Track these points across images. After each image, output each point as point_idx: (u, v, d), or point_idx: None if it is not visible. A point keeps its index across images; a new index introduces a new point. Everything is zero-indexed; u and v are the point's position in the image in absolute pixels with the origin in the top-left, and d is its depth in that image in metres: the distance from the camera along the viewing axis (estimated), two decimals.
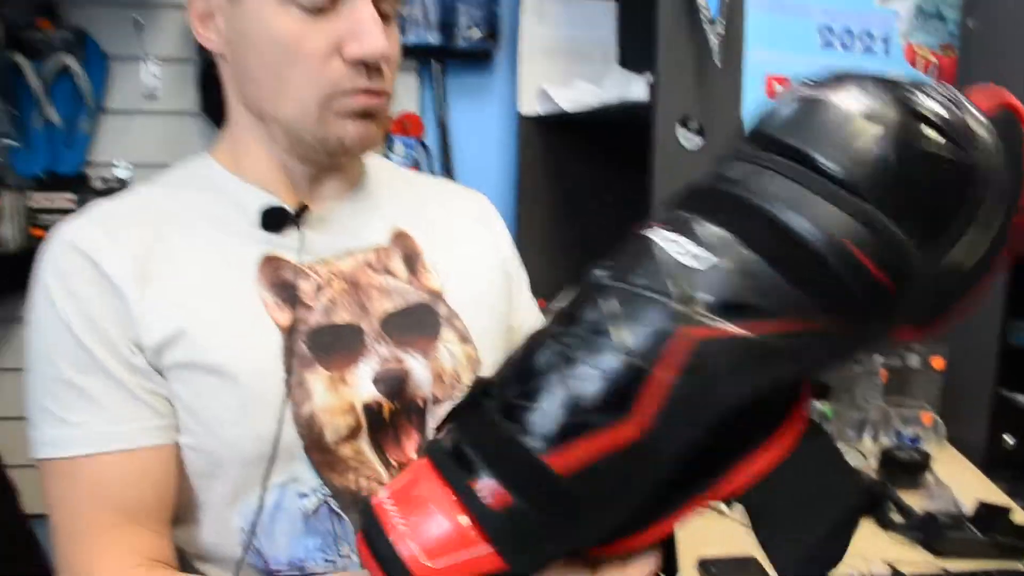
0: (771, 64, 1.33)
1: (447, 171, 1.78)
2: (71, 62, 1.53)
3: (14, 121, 1.53)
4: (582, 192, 1.78)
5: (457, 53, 1.73)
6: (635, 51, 1.78)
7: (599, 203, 1.76)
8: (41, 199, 1.54)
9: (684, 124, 1.29)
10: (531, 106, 1.74)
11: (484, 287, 0.86)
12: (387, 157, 1.69)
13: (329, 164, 0.80)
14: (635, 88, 1.61)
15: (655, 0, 1.26)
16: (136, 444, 0.70)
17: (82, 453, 0.69)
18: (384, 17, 0.73)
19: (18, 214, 1.50)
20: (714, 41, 1.25)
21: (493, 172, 1.83)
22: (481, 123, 1.81)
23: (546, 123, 1.75)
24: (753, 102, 1.32)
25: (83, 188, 1.56)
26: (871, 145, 0.44)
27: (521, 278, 0.94)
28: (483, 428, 0.48)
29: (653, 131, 1.29)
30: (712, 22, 1.25)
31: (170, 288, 0.71)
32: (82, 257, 0.71)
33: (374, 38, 0.70)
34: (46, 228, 1.51)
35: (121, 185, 1.56)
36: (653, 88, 1.28)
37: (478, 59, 1.77)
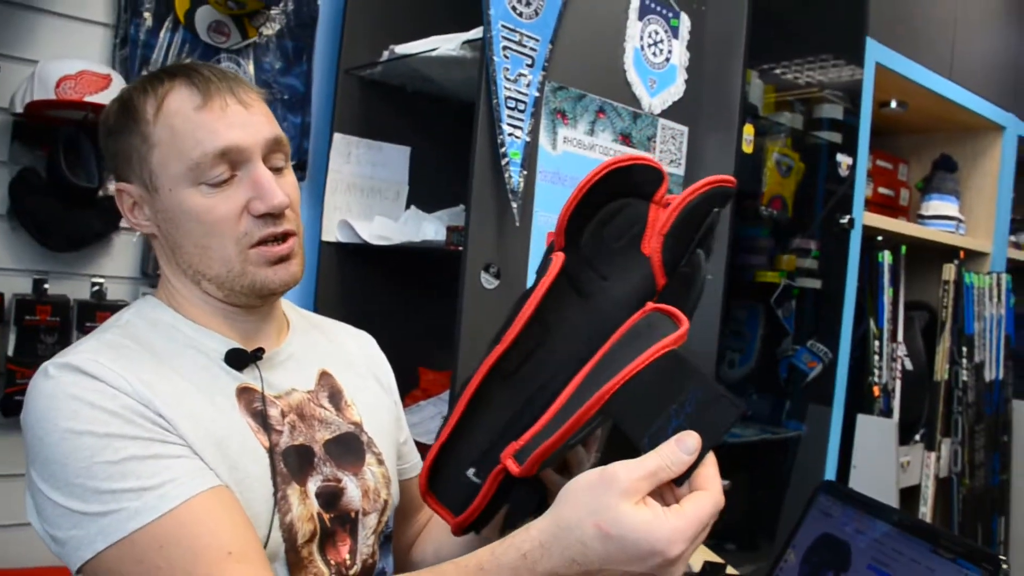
0: (551, 224, 1.69)
1: None
2: None
3: None
4: (376, 316, 2.00)
5: None
6: (423, 193, 2.06)
7: (393, 326, 1.99)
8: None
9: (486, 269, 1.59)
10: (333, 235, 1.94)
11: (385, 416, 1.07)
12: None
13: (263, 308, 0.97)
14: (426, 227, 1.89)
15: (471, 168, 1.55)
16: (219, 481, 0.79)
17: (179, 502, 0.75)
18: (277, 170, 0.93)
19: None
20: (515, 206, 1.57)
21: (292, 294, 1.98)
22: None
23: (346, 251, 1.96)
24: (538, 252, 1.66)
25: None
26: None
27: (398, 400, 1.16)
28: None
29: (462, 275, 1.56)
30: (514, 192, 1.57)
31: (185, 415, 0.82)
32: (95, 379, 0.79)
33: (274, 193, 0.89)
34: None
35: None
36: (464, 239, 1.56)
37: None
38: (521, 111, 1.60)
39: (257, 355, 0.93)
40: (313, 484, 0.92)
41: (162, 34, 1.73)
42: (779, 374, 2.34)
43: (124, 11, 1.69)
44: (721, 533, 2.17)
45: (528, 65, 1.61)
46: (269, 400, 0.92)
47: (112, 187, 0.95)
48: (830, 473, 2.27)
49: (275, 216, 0.90)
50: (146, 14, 1.71)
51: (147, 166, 0.89)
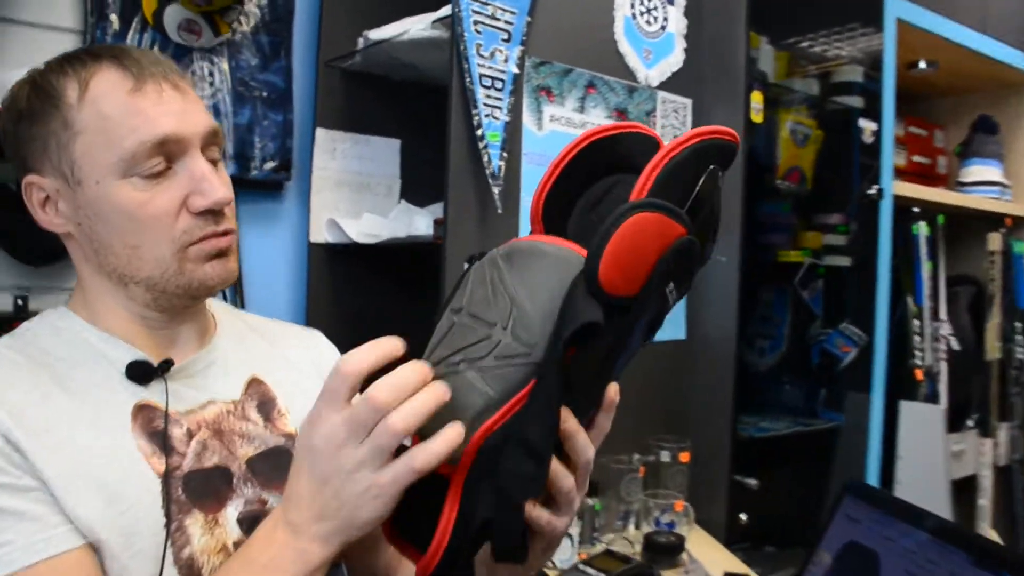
0: None
1: (237, 295, 1.84)
2: None
3: None
4: (370, 316, 1.91)
5: (250, 183, 1.81)
6: (416, 186, 1.96)
7: (386, 326, 1.88)
8: None
9: (470, 261, 1.48)
10: (321, 235, 1.86)
11: None
12: None
13: (187, 310, 0.87)
14: (418, 221, 1.78)
15: (447, 154, 1.45)
16: (71, 544, 0.70)
17: (13, 570, 0.68)
18: (213, 163, 0.84)
19: None
20: (496, 191, 1.46)
21: (283, 297, 1.90)
22: (272, 250, 1.89)
23: (335, 251, 1.87)
24: None
25: None
26: None
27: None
28: None
29: (443, 267, 1.46)
30: (495, 176, 1.46)
31: (53, 444, 0.73)
32: None
33: (215, 188, 0.80)
34: None
35: None
36: (444, 230, 1.46)
37: (270, 188, 1.87)
38: (499, 89, 1.49)
39: (164, 367, 0.83)
40: (233, 509, 0.82)
41: (130, 36, 1.66)
42: (810, 361, 2.18)
43: (91, 15, 1.63)
44: (758, 535, 2.03)
45: (504, 40, 1.49)
46: (173, 418, 0.82)
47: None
48: (873, 466, 2.11)
49: (215, 213, 0.82)
50: (113, 16, 1.64)
51: (68, 155, 0.79)
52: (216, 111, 1.74)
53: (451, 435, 0.59)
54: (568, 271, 0.62)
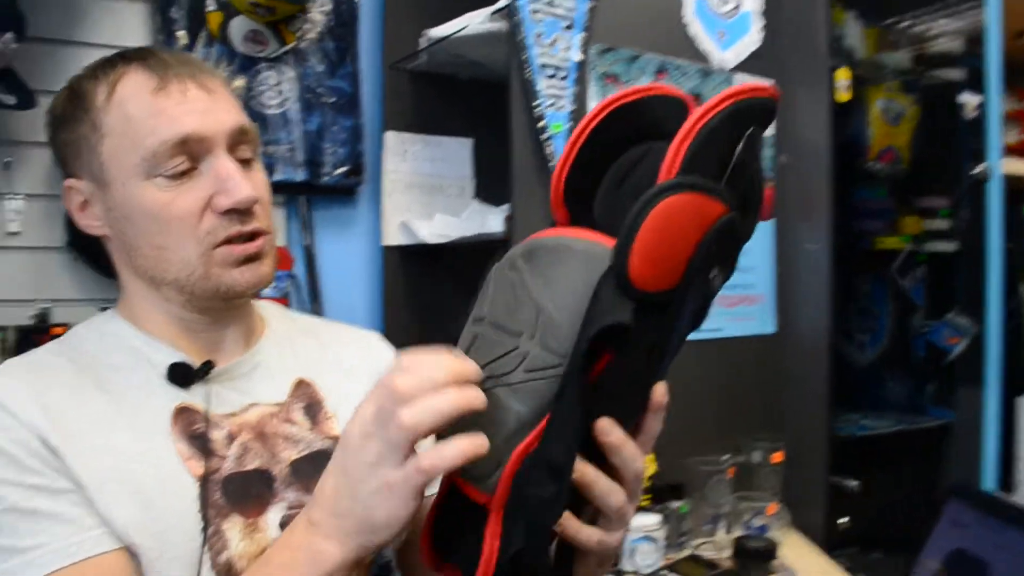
0: None
1: (315, 301, 1.84)
2: None
3: None
4: (446, 318, 1.88)
5: (322, 189, 1.81)
6: (490, 185, 1.93)
7: (462, 326, 1.86)
8: None
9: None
10: (394, 238, 1.84)
11: None
12: None
13: (227, 312, 0.86)
14: (491, 220, 1.74)
15: (511, 148, 1.40)
16: (105, 548, 0.70)
17: (46, 572, 0.67)
18: (245, 162, 0.82)
19: None
20: None
21: (360, 301, 1.90)
22: (347, 254, 1.88)
23: (409, 253, 1.85)
24: None
25: None
26: None
27: None
28: None
29: None
30: None
31: (89, 448, 0.73)
32: (4, 411, 0.72)
33: (239, 187, 0.78)
34: None
35: None
36: (510, 224, 1.41)
37: (343, 194, 1.86)
38: (562, 79, 1.43)
39: (205, 369, 0.82)
40: (275, 513, 0.80)
41: (197, 50, 1.68)
42: (915, 354, 2.03)
43: (159, 33, 1.66)
44: (863, 539, 1.90)
45: (566, 27, 1.44)
46: (213, 421, 0.80)
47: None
48: (989, 467, 1.94)
49: (242, 213, 0.80)
50: (179, 33, 1.67)
51: (97, 158, 0.80)
52: (285, 119, 1.75)
53: (464, 444, 0.54)
54: (595, 267, 0.55)
